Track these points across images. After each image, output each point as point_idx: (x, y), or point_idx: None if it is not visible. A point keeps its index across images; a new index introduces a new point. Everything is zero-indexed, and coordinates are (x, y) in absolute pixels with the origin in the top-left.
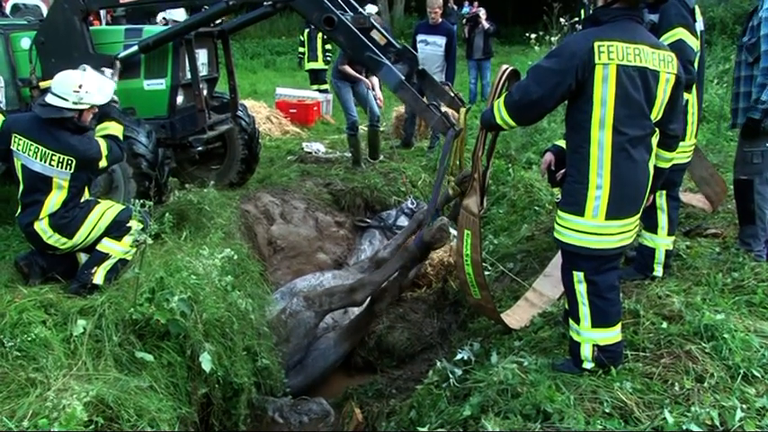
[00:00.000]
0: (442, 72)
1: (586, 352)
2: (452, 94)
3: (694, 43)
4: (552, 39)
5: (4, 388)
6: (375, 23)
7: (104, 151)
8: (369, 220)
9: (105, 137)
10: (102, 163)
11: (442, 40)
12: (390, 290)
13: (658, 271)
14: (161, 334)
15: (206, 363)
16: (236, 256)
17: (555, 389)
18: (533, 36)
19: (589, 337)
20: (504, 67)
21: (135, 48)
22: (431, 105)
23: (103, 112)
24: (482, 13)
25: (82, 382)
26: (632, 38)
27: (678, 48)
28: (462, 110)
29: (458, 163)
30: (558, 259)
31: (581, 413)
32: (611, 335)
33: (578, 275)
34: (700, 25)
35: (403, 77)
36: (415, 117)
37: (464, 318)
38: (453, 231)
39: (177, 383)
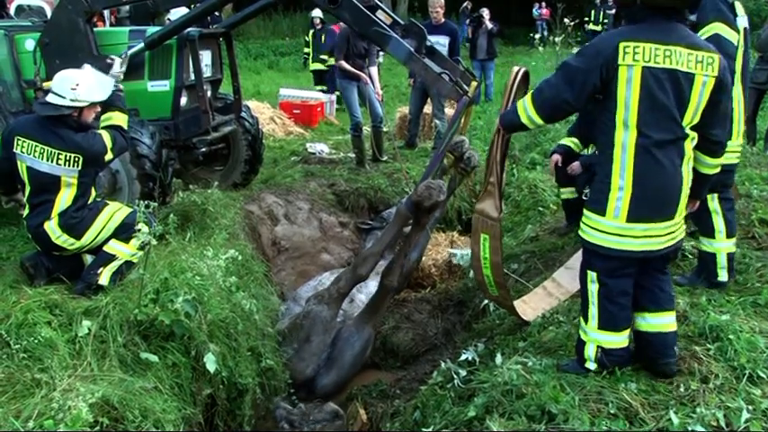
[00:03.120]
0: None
1: (590, 352)
2: (462, 69)
3: (733, 37)
4: (556, 39)
5: (10, 388)
6: (379, 3)
7: (109, 144)
8: (371, 222)
9: (108, 128)
10: (109, 156)
11: (445, 40)
12: (398, 260)
13: (723, 276)
14: (165, 335)
15: (210, 363)
16: (240, 257)
17: (560, 390)
18: (537, 37)
19: (595, 337)
20: (517, 68)
21: (141, 45)
22: (442, 74)
23: (107, 102)
24: (485, 13)
25: (87, 382)
26: (665, 38)
27: (714, 42)
28: (473, 83)
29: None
30: (580, 253)
31: (586, 414)
32: (617, 339)
33: (592, 275)
34: (743, 21)
35: (412, 49)
36: (419, 118)
37: (468, 318)
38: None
39: (182, 384)
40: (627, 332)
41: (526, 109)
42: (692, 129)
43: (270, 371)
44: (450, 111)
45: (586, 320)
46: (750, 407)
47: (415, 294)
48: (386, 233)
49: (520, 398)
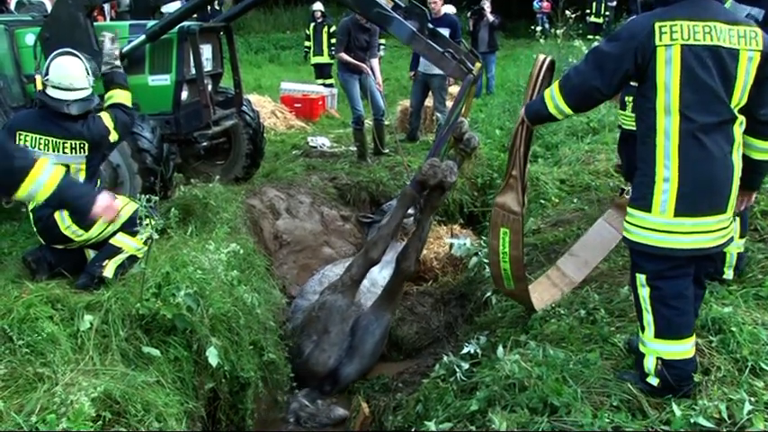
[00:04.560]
0: None
1: (650, 365)
2: (466, 49)
3: None
4: (557, 32)
5: (13, 383)
6: None
7: (110, 124)
8: (372, 216)
9: (110, 107)
10: (114, 137)
11: (445, 32)
12: (412, 245)
13: (729, 274)
14: (167, 329)
15: (212, 357)
16: (241, 251)
17: (562, 382)
18: (538, 29)
19: (653, 348)
20: (542, 57)
21: (142, 37)
22: (446, 52)
23: (108, 79)
24: (486, 5)
25: (89, 377)
26: (702, 15)
27: None
28: (477, 63)
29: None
30: (585, 239)
31: (588, 407)
32: (678, 349)
33: (641, 278)
34: None
35: (414, 29)
36: (421, 111)
37: (470, 311)
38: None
39: (184, 378)
40: (689, 340)
41: (554, 98)
42: (740, 111)
43: (272, 364)
44: (450, 105)
45: (643, 330)
46: (752, 399)
47: (417, 288)
48: (393, 216)
49: (522, 391)
